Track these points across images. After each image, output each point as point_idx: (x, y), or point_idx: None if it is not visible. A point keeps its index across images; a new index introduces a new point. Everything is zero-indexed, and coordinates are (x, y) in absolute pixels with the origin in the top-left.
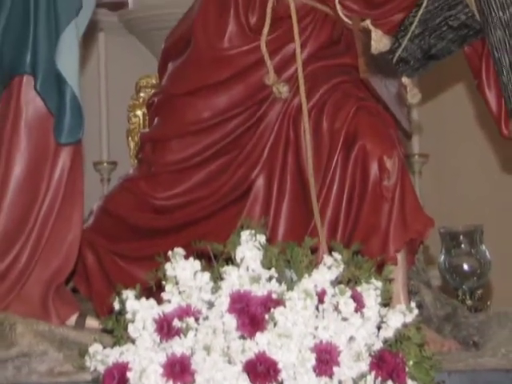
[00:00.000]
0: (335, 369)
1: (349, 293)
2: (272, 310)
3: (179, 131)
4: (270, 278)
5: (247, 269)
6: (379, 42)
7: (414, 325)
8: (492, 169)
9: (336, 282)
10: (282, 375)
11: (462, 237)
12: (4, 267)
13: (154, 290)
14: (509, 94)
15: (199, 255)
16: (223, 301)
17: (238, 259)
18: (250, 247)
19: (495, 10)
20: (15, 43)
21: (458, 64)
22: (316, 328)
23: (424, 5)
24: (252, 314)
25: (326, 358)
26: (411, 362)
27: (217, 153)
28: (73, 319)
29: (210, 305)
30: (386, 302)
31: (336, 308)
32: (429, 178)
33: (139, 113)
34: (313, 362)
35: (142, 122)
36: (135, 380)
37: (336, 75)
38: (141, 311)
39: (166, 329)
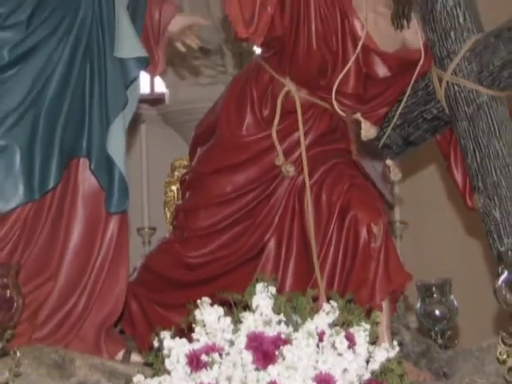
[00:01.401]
0: None
1: (343, 333)
2: (281, 347)
3: (206, 203)
4: (279, 322)
5: (261, 314)
6: (368, 131)
7: (396, 359)
8: (459, 233)
9: (333, 325)
10: None
11: (434, 288)
12: (64, 313)
13: (185, 331)
14: (472, 174)
15: (222, 303)
16: (242, 340)
17: (253, 306)
18: (263, 297)
19: (461, 106)
20: (74, 132)
21: (431, 149)
22: (317, 361)
23: (403, 101)
24: (265, 351)
25: None
26: None
27: (236, 220)
28: (120, 355)
29: (231, 343)
30: (373, 341)
31: (333, 345)
32: (408, 241)
33: (174, 188)
34: None
35: (176, 195)
36: None
37: (333, 158)
38: (175, 348)
39: (195, 362)
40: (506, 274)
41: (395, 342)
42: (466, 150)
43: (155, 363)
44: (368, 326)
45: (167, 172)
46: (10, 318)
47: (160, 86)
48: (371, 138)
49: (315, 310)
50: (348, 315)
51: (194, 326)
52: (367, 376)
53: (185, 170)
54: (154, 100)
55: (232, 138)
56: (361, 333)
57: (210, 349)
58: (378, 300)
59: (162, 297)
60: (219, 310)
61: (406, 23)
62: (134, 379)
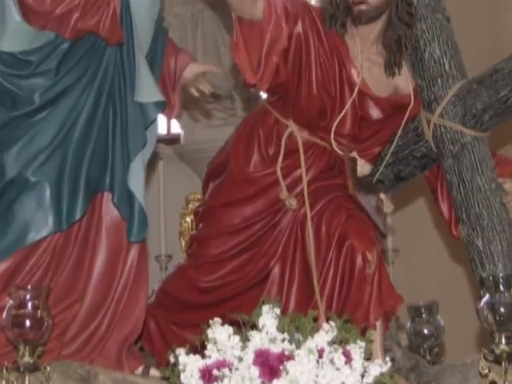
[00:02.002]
0: None
1: (341, 350)
2: (285, 362)
3: (217, 233)
4: (283, 340)
5: (267, 333)
6: (363, 168)
7: (389, 373)
8: (445, 260)
9: (331, 343)
10: None
11: (423, 309)
12: (90, 332)
13: (199, 349)
14: (457, 206)
15: (232, 323)
16: (249, 356)
17: (260, 326)
18: (269, 317)
19: (447, 145)
20: (98, 169)
21: (420, 184)
22: (317, 376)
23: (395, 141)
24: (270, 366)
25: None
26: None
27: (244, 248)
28: (140, 370)
29: (240, 359)
30: (368, 357)
31: (331, 361)
32: (399, 267)
33: (188, 219)
34: None
35: (190, 226)
36: None
37: (331, 192)
38: (189, 364)
39: (207, 377)
40: (487, 296)
41: (388, 358)
42: (452, 184)
43: (171, 377)
44: (363, 344)
45: (182, 205)
46: (40, 336)
47: (176, 128)
48: (366, 174)
49: (315, 330)
50: (345, 334)
51: (206, 343)
52: None
53: (198, 203)
54: (171, 140)
55: (241, 174)
56: (357, 350)
57: (220, 364)
58: (372, 320)
59: (178, 317)
60: (229, 329)
61: (397, 71)
62: None
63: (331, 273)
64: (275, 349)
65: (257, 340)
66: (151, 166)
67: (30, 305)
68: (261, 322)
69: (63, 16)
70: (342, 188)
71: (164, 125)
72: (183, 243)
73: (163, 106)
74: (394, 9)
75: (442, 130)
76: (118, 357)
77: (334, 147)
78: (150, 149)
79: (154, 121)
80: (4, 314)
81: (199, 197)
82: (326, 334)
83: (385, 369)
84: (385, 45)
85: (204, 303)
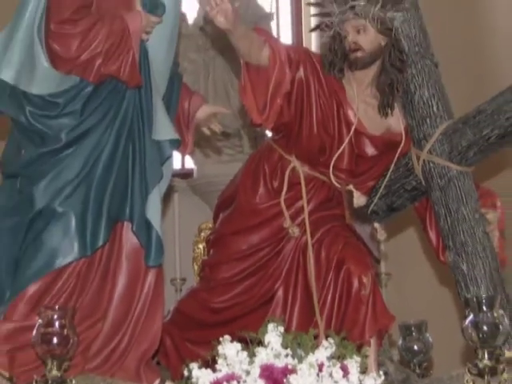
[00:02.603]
0: None
1: (339, 365)
2: (288, 376)
3: (227, 259)
4: (286, 355)
5: (272, 349)
6: (359, 199)
7: None
8: (433, 282)
9: (330, 358)
10: None
11: (413, 328)
12: (111, 348)
13: (210, 363)
14: (444, 234)
15: (240, 340)
16: (256, 370)
17: (265, 342)
18: (273, 335)
19: (435, 179)
20: (119, 200)
21: (411, 214)
22: None
23: (388, 176)
24: (275, 379)
25: None
26: None
27: (251, 272)
28: (157, 382)
29: (247, 373)
30: (363, 371)
31: (330, 375)
32: (392, 289)
33: (200, 246)
34: None
35: (202, 252)
36: None
37: (330, 221)
38: (202, 377)
39: None
40: (471, 316)
41: (381, 372)
42: (439, 214)
43: None
44: (359, 359)
45: (195, 233)
46: (66, 352)
47: (189, 163)
48: (361, 206)
49: (316, 346)
50: (343, 350)
51: (217, 358)
52: None
53: (209, 232)
54: (185, 174)
55: (248, 205)
56: (353, 364)
57: (230, 377)
58: (367, 337)
59: (191, 335)
60: (238, 346)
61: (390, 111)
62: None
63: (330, 294)
64: (279, 363)
65: (263, 355)
66: (167, 197)
67: (57, 324)
68: (266, 339)
69: (87, 62)
70: (339, 218)
71: (179, 160)
72: (196, 268)
73: (178, 144)
74: (386, 56)
75: (431, 165)
76: (136, 370)
77: (333, 181)
78: (166, 182)
79: (170, 157)
80: (34, 332)
81: (210, 226)
82: (325, 349)
83: (379, 382)
84: (378, 88)
85: (215, 322)
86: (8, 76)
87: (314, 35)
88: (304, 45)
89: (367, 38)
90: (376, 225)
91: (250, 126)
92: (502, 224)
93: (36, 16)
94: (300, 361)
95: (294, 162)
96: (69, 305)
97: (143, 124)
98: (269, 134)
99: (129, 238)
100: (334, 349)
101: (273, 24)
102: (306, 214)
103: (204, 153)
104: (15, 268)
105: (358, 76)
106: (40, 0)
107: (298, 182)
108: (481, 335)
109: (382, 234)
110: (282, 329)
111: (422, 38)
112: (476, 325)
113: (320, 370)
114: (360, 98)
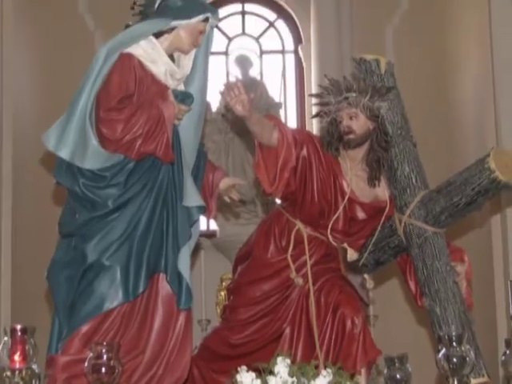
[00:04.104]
0: None
1: None
2: None
3: (243, 303)
4: (292, 382)
5: (280, 377)
6: (351, 255)
7: None
8: (412, 323)
9: None
10: None
11: (396, 360)
12: (149, 377)
13: None
14: (421, 283)
15: (254, 370)
16: None
17: (275, 372)
18: (282, 366)
19: (414, 238)
20: (156, 255)
21: (393, 267)
22: None
23: (375, 235)
24: None
25: None
26: None
27: (264, 314)
28: None
29: None
30: None
31: None
32: (379, 328)
33: (222, 293)
34: None
35: (223, 298)
36: None
37: (328, 273)
38: None
39: None
40: (443, 350)
41: None
42: (417, 267)
43: None
44: None
45: (218, 282)
46: (113, 379)
47: (213, 225)
48: (354, 260)
49: (316, 374)
50: (338, 378)
51: None
52: None
53: (229, 281)
54: (209, 234)
55: (261, 259)
56: None
57: None
58: (359, 368)
59: (215, 365)
60: (252, 375)
61: (377, 183)
62: None
63: (328, 333)
64: None
65: (273, 382)
66: (195, 253)
67: (105, 357)
68: (276, 369)
69: (129, 143)
70: (336, 270)
71: (204, 223)
72: (219, 311)
73: (204, 210)
74: (374, 137)
75: (410, 227)
76: None
77: (330, 240)
78: (194, 240)
79: (197, 220)
80: (86, 363)
81: (230, 276)
82: (324, 377)
83: None
84: (368, 164)
85: (234, 355)
86: (65, 154)
87: (315, 121)
88: (307, 128)
89: (358, 123)
90: (365, 276)
91: (262, 195)
92: (469, 274)
93: (88, 104)
94: None
95: (299, 225)
96: (115, 341)
97: (175, 193)
98: (278, 201)
99: (164, 286)
100: (331, 377)
101: (281, 111)
102: (308, 267)
103: (225, 217)
104: (71, 311)
105: (351, 154)
106: (91, 91)
107: (302, 241)
108: (451, 366)
109: (370, 283)
110: (288, 361)
111: (403, 123)
112: (447, 357)
113: None
114: (352, 171)
